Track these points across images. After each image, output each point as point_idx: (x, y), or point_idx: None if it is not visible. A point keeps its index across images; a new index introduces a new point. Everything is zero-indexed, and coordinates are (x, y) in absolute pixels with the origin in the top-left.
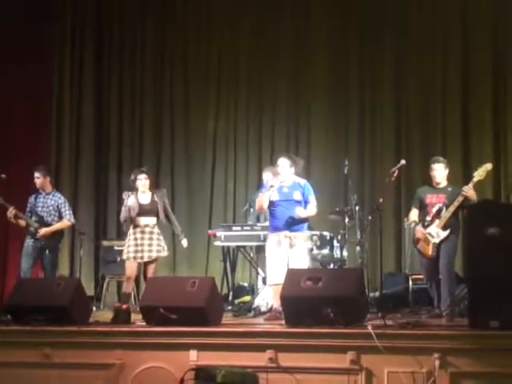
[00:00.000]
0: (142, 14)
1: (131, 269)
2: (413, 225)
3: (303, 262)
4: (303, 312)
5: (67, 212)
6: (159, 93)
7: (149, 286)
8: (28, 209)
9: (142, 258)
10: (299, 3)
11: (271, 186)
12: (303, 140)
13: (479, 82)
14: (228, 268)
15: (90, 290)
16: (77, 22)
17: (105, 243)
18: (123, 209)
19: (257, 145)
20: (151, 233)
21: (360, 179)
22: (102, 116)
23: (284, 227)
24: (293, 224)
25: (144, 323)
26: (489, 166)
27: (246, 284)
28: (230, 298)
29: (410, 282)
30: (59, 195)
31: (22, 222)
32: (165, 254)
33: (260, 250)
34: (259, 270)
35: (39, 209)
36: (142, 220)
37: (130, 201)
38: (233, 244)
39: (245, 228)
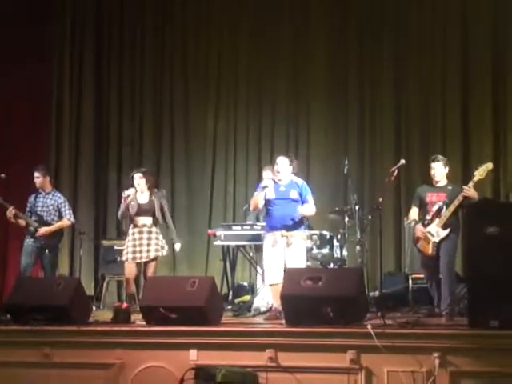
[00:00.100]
0: (142, 14)
1: (130, 269)
2: (413, 224)
3: (300, 261)
4: (303, 311)
5: (67, 212)
6: (159, 93)
7: (149, 285)
8: (28, 208)
9: (140, 258)
10: (298, 3)
11: (264, 187)
12: (303, 140)
13: (479, 82)
14: (228, 267)
15: (89, 290)
16: (76, 22)
17: (105, 243)
18: (121, 205)
19: (256, 144)
20: (149, 232)
21: (360, 179)
22: (101, 116)
23: (281, 226)
24: (290, 223)
25: (144, 323)
26: (489, 166)
27: (245, 283)
28: (230, 297)
29: (410, 282)
30: (59, 195)
31: (22, 222)
32: (164, 253)
33: (260, 249)
34: (259, 270)
35: (39, 208)
36: (141, 220)
37: (129, 191)
38: (232, 243)
39: (244, 227)
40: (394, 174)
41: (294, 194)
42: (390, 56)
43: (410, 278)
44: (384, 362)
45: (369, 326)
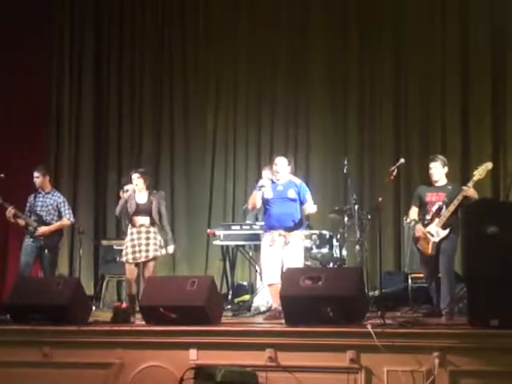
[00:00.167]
0: (142, 14)
1: (130, 270)
2: (413, 223)
3: (298, 260)
4: (303, 311)
5: (67, 211)
6: (159, 93)
7: (148, 285)
8: (27, 208)
9: (139, 258)
10: (298, 3)
11: (261, 186)
12: (302, 140)
13: (479, 82)
14: (227, 267)
15: (89, 290)
16: (76, 22)
17: (104, 243)
18: (120, 201)
19: (256, 144)
20: (148, 232)
21: (359, 178)
22: (101, 116)
23: (279, 225)
24: (287, 222)
25: (144, 322)
26: (489, 165)
27: (245, 283)
28: (230, 296)
29: (410, 281)
30: (58, 194)
31: (22, 222)
32: (163, 252)
33: (259, 248)
34: (258, 269)
35: (38, 208)
36: (139, 220)
37: (128, 186)
38: (232, 243)
39: (244, 227)
40: (394, 173)
41: (291, 194)
42: (390, 56)
43: (409, 277)
44: (384, 361)
45: (368, 326)
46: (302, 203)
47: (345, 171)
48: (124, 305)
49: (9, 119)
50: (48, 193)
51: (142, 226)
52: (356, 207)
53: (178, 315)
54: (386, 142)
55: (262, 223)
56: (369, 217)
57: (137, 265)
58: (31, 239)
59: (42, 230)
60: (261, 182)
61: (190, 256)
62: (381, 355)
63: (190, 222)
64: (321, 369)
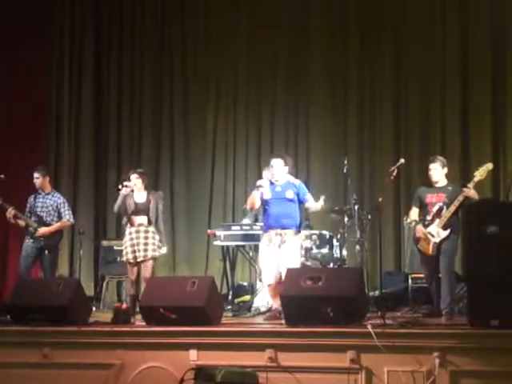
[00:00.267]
0: (142, 14)
1: (132, 271)
2: (413, 224)
3: (294, 259)
4: (303, 311)
5: (67, 212)
6: (158, 93)
7: (148, 285)
8: (27, 209)
9: (138, 257)
10: (298, 3)
11: (259, 186)
12: (302, 140)
13: (479, 82)
14: (228, 267)
15: (89, 290)
16: (76, 22)
17: (104, 243)
18: (119, 197)
19: (256, 145)
20: (146, 232)
21: (359, 178)
22: (101, 116)
23: (277, 225)
24: (286, 222)
25: (144, 323)
26: (490, 166)
27: (245, 283)
28: (230, 297)
29: (410, 281)
30: (58, 195)
31: (22, 223)
32: (162, 252)
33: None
34: (258, 270)
35: (38, 209)
36: (138, 219)
37: (128, 182)
38: (232, 243)
39: (244, 227)
40: (394, 173)
41: (290, 194)
42: (390, 56)
43: (409, 277)
44: (384, 361)
45: (369, 326)
46: (302, 203)
47: (345, 171)
48: (124, 305)
49: (9, 119)
50: (48, 193)
51: (140, 225)
52: (356, 207)
53: (178, 316)
54: (386, 142)
55: (262, 224)
56: (369, 217)
57: (137, 264)
58: (31, 240)
59: (42, 230)
60: (259, 182)
61: (190, 256)
62: (381, 355)
63: (190, 222)
64: (321, 369)
